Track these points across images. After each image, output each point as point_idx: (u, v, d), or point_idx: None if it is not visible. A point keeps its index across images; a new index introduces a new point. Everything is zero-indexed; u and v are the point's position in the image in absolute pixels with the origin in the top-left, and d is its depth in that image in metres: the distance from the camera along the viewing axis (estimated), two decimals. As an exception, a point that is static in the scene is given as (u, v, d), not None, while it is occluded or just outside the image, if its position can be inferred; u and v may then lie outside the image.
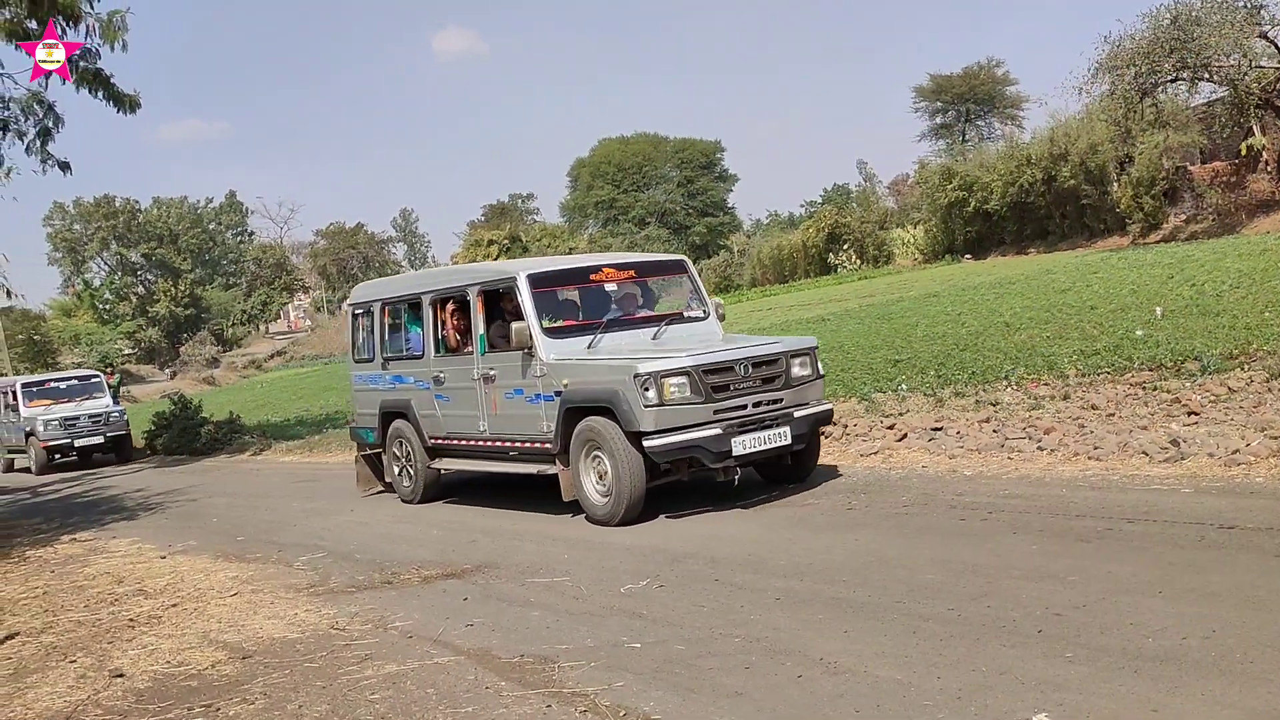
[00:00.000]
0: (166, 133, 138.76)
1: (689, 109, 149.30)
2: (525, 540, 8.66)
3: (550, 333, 9.02)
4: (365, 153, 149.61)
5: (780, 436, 8.44)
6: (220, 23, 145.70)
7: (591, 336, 9.16)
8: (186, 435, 22.93)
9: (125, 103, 16.23)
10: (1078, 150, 36.28)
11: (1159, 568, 5.58)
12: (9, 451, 24.70)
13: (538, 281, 9.31)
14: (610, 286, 9.67)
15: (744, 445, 8.22)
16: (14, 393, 23.90)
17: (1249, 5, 28.01)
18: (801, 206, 76.72)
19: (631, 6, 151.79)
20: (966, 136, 65.50)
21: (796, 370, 8.70)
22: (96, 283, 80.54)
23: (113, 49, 14.92)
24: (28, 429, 22.87)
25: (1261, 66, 28.99)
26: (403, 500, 11.24)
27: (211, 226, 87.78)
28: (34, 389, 24.18)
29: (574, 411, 8.61)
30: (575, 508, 8.98)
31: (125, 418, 23.85)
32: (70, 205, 78.57)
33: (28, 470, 23.23)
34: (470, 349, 9.90)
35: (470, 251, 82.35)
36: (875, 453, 9.84)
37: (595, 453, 8.48)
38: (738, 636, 5.39)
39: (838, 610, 5.63)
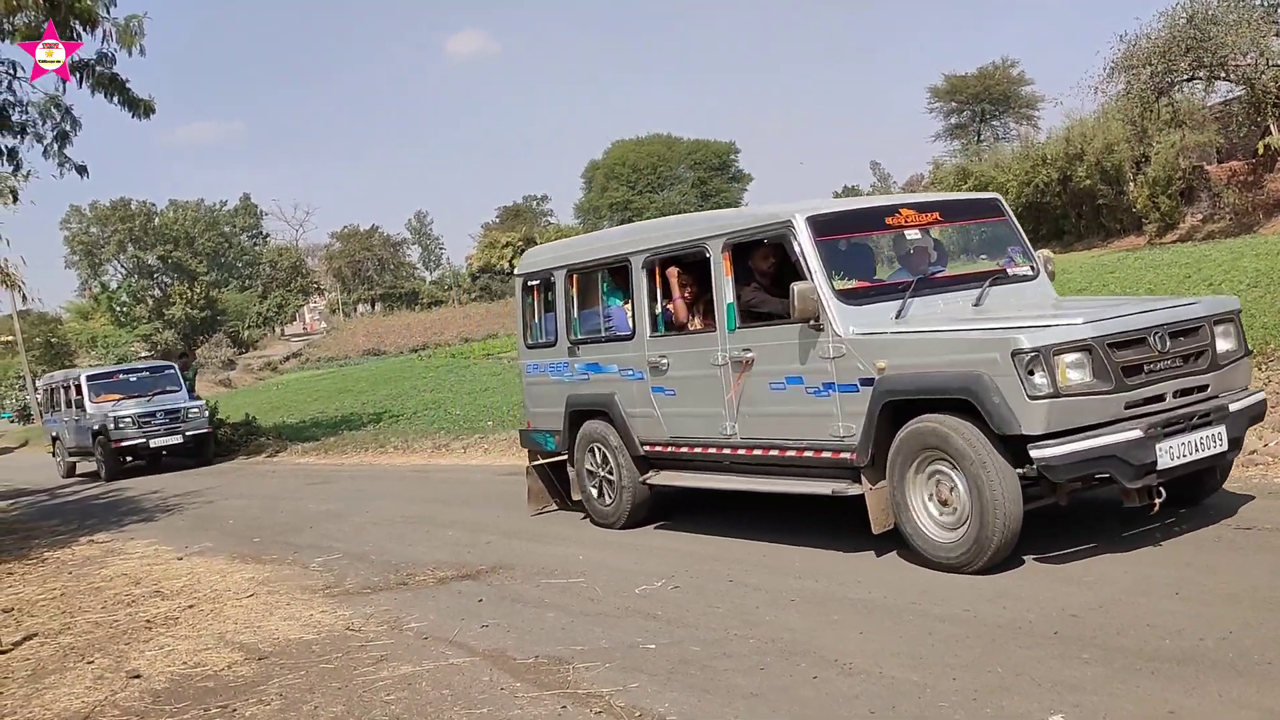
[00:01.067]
0: (182, 135, 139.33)
1: (703, 110, 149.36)
2: (540, 541, 8.67)
3: (845, 296, 6.62)
4: (380, 155, 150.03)
5: (1214, 441, 5.96)
6: (236, 26, 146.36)
7: (897, 302, 6.67)
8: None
9: (140, 107, 16.34)
10: (1093, 150, 36.10)
11: (1176, 568, 5.55)
12: (71, 454, 22.34)
13: (823, 226, 6.81)
14: (912, 234, 7.20)
15: (1171, 454, 5.79)
16: (78, 387, 21.43)
17: (1266, 4, 27.88)
18: (816, 207, 76.33)
19: (645, 7, 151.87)
20: (981, 137, 65.30)
21: (1222, 344, 6.27)
22: (113, 285, 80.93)
23: (130, 54, 15.03)
24: (96, 428, 20.27)
25: (1278, 65, 28.82)
26: (599, 523, 8.74)
27: (227, 229, 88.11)
28: (101, 382, 21.56)
29: (897, 407, 6.21)
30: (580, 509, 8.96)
31: (206, 413, 21.38)
32: (87, 209, 78.97)
33: (93, 475, 21.16)
34: (710, 324, 7.58)
35: (485, 253, 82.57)
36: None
37: (934, 466, 6.08)
38: (753, 637, 5.39)
39: (853, 611, 5.63)
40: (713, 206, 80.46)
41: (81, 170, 17.06)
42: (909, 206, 7.24)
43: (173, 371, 22.39)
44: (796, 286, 6.43)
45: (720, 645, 5.34)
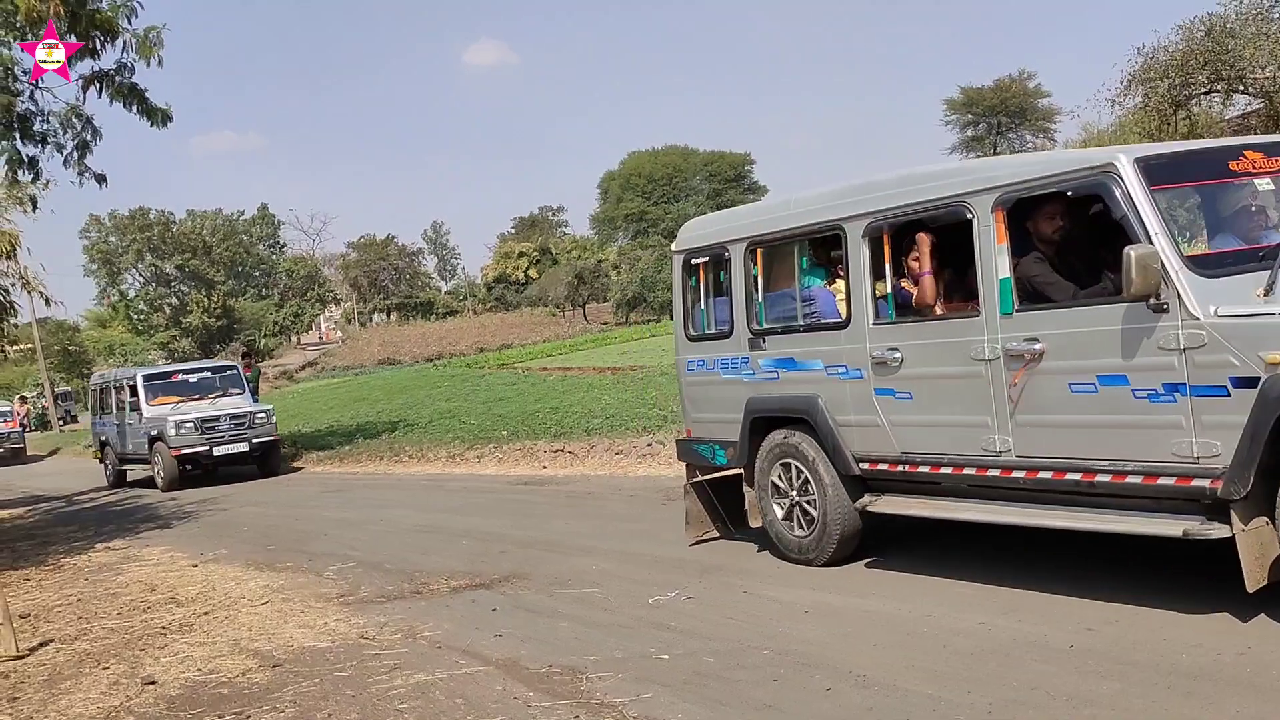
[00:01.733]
0: (200, 145, 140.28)
1: (719, 121, 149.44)
2: (554, 551, 8.67)
3: (1197, 265, 5.00)
4: (397, 165, 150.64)
5: None
6: (253, 36, 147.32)
7: (1262, 273, 4.99)
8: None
9: (158, 116, 16.45)
10: (1110, 163, 36.03)
11: (1190, 585, 5.52)
12: (122, 460, 20.25)
13: (1158, 172, 5.25)
14: (1264, 184, 5.53)
15: None
16: (133, 387, 19.37)
17: (1285, 16, 27.76)
18: (831, 219, 76.36)
19: (662, 19, 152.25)
20: (998, 149, 65.18)
21: None
22: (131, 294, 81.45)
23: (149, 64, 15.13)
24: (153, 433, 18.35)
25: (1298, 78, 28.70)
26: (789, 558, 7.06)
27: (245, 238, 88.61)
28: (159, 383, 19.53)
29: None
30: (606, 516, 8.96)
31: (274, 419, 19.26)
32: (106, 218, 79.52)
33: (146, 484, 19.40)
34: (965, 307, 6.02)
35: (500, 264, 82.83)
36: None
37: None
38: (767, 649, 5.38)
39: (867, 623, 5.61)
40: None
41: (101, 179, 17.18)
42: (1256, 149, 5.56)
43: (235, 373, 20.14)
44: (1134, 252, 4.78)
45: (735, 656, 5.33)
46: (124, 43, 15.06)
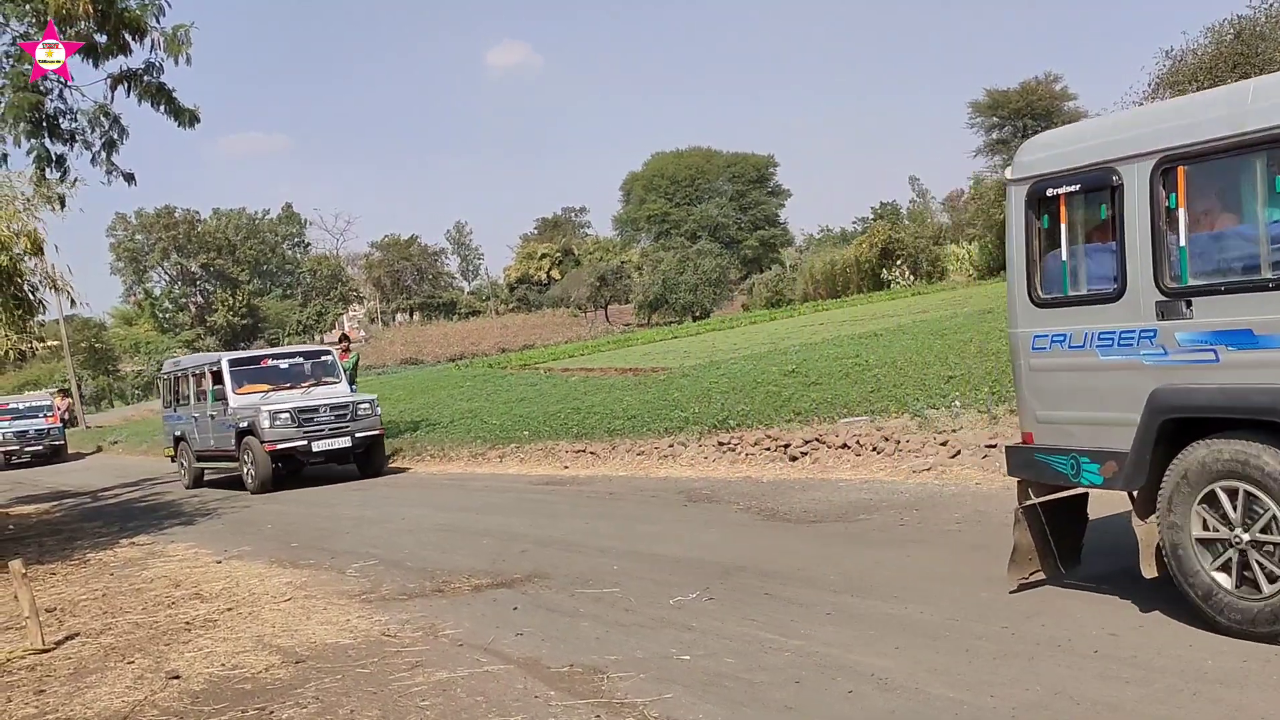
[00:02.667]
0: (227, 145, 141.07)
1: (742, 123, 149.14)
2: (575, 551, 8.68)
3: None
4: (420, 165, 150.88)
5: None
6: (278, 37, 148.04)
7: None
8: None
9: (185, 116, 16.55)
10: (1137, 166, 35.78)
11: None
12: (200, 458, 18.13)
13: None
14: None
15: None
16: (217, 373, 17.18)
17: (1315, 19, 27.53)
18: (854, 222, 76.46)
19: (685, 21, 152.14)
20: (1022, 153, 64.77)
21: None
22: (157, 292, 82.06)
23: (177, 63, 15.23)
24: (243, 425, 16.16)
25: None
26: (1234, 629, 4.82)
27: (270, 238, 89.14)
28: (247, 369, 17.20)
29: None
30: (627, 517, 8.96)
31: (378, 410, 16.97)
32: (132, 216, 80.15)
33: (231, 485, 17.29)
34: None
35: (523, 264, 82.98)
36: (928, 469, 9.77)
37: None
38: (788, 651, 5.37)
39: (889, 626, 5.59)
40: (751, 220, 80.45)
41: (129, 178, 17.29)
42: None
43: (330, 359, 17.89)
44: None
45: (755, 658, 5.33)
46: (152, 41, 15.17)
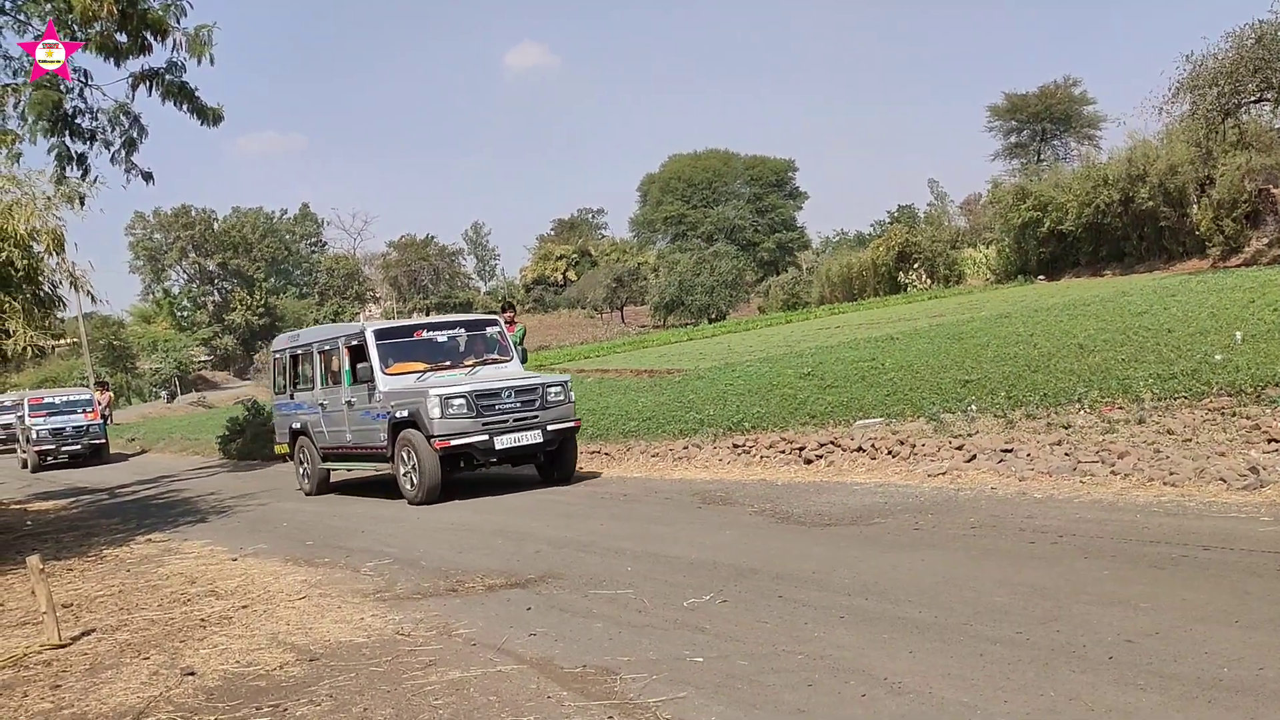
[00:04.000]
0: (244, 145, 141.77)
1: (760, 126, 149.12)
2: (589, 552, 8.69)
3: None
4: (437, 166, 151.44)
5: None
6: (297, 37, 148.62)
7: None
8: (259, 441, 23.32)
9: (209, 115, 16.66)
10: (1156, 171, 35.61)
11: (1235, 596, 5.45)
12: (329, 456, 14.69)
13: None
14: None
15: None
16: (357, 347, 13.54)
17: (1337, 24, 27.35)
18: (870, 226, 76.30)
19: (703, 23, 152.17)
20: (1041, 156, 64.64)
21: None
22: (175, 290, 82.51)
23: (199, 63, 15.33)
24: (401, 414, 12.57)
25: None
26: None
27: (287, 237, 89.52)
28: (397, 343, 13.55)
29: None
30: (641, 518, 8.96)
31: (572, 397, 13.15)
32: (150, 215, 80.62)
33: (361, 490, 15.02)
34: None
35: (539, 265, 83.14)
36: (943, 473, 9.74)
37: None
38: (801, 653, 5.36)
39: (903, 630, 5.57)
40: (768, 223, 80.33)
41: (147, 177, 17.45)
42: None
43: (498, 330, 14.33)
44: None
45: (768, 660, 5.32)
46: (174, 41, 15.27)
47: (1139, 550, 6.51)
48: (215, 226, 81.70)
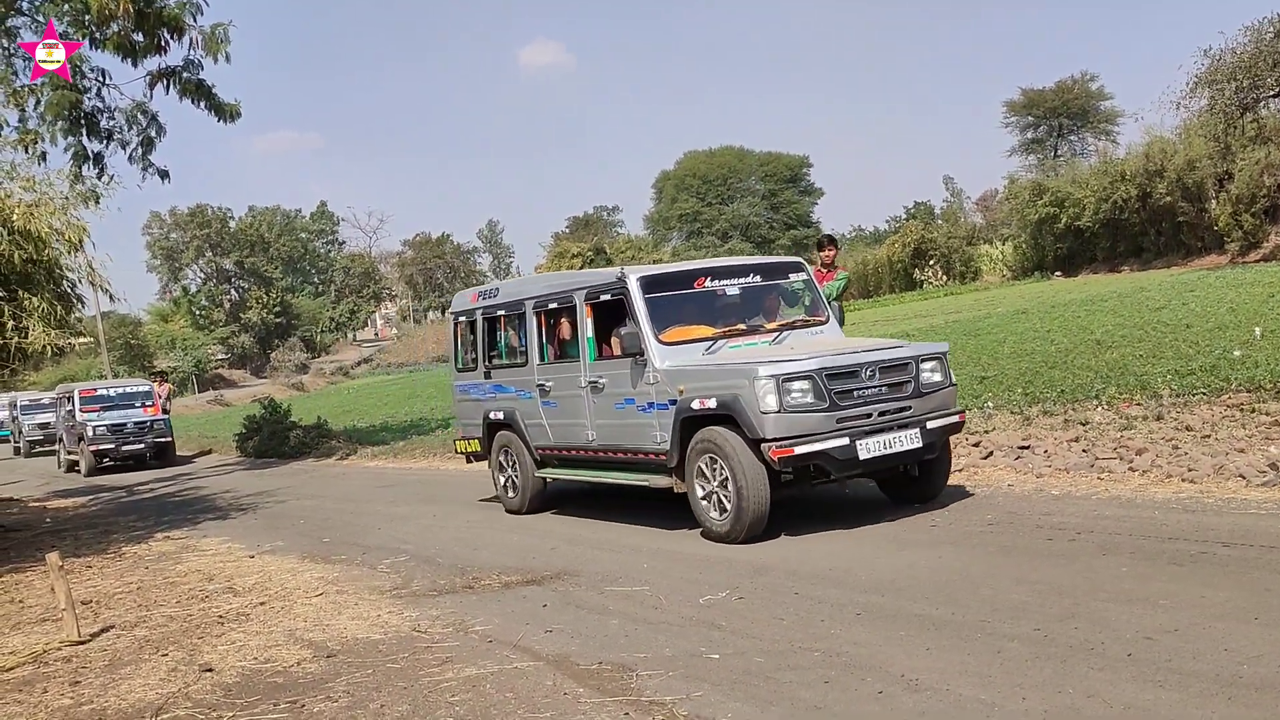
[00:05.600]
0: (261, 144, 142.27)
1: (775, 123, 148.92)
2: (605, 549, 8.69)
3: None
4: (452, 164, 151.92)
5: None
6: (312, 36, 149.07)
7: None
8: (276, 439, 23.41)
9: (226, 112, 16.73)
10: (1174, 166, 35.44)
11: (1255, 593, 5.41)
12: (549, 460, 10.56)
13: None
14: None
15: None
16: (613, 304, 9.32)
17: (1357, 17, 27.14)
18: (886, 222, 76.09)
19: (718, 20, 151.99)
20: (1058, 152, 64.37)
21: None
22: (193, 289, 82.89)
23: (215, 60, 15.39)
24: (699, 403, 8.29)
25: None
26: None
27: (303, 235, 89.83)
28: (669, 297, 9.18)
29: None
30: (656, 514, 8.96)
31: (947, 371, 8.81)
32: (167, 215, 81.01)
33: (576, 504, 10.86)
34: None
35: (554, 263, 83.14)
36: (959, 470, 9.69)
37: None
38: (817, 650, 5.35)
39: (920, 627, 5.56)
40: (783, 220, 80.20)
41: (164, 175, 17.52)
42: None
43: (806, 278, 10.02)
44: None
45: (784, 657, 5.31)
46: (191, 40, 15.34)
47: (1158, 547, 6.47)
48: (231, 225, 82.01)
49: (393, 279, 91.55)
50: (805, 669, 5.10)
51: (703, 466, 8.29)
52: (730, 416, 8.02)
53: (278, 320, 78.84)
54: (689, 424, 8.44)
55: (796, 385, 7.91)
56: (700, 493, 8.39)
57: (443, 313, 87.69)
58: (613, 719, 4.70)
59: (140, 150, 17.22)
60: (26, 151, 14.68)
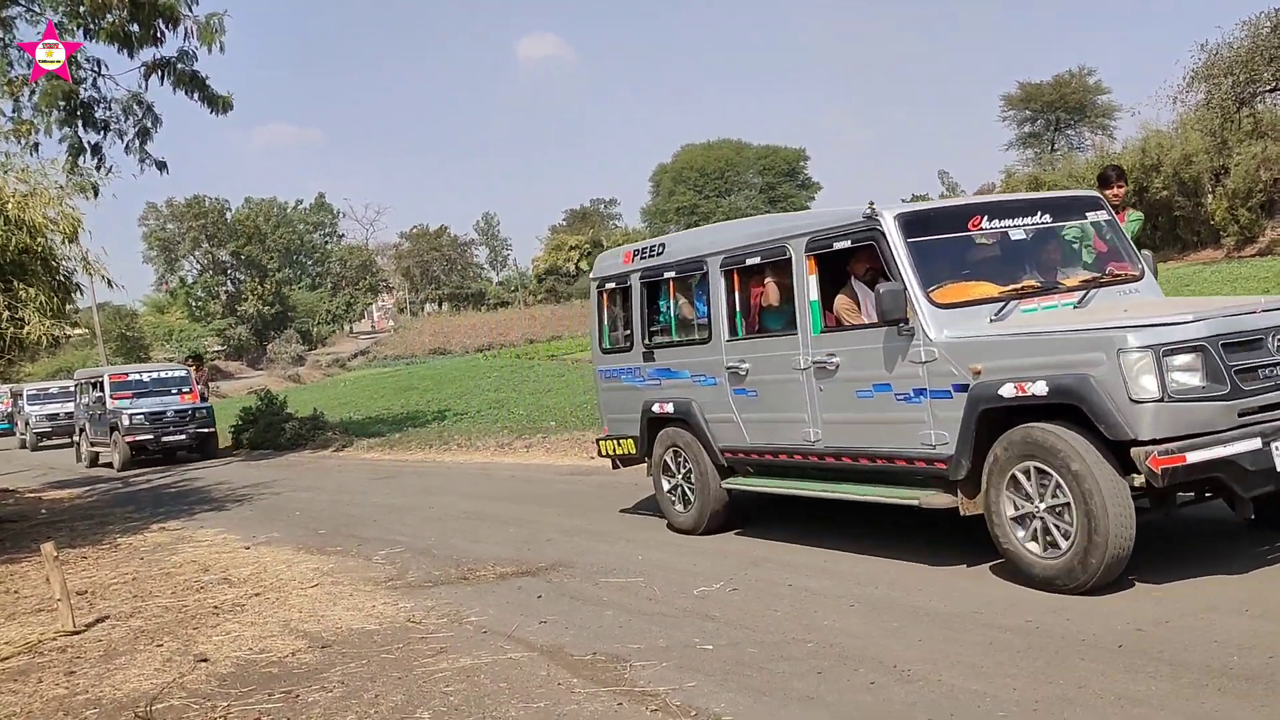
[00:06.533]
0: (258, 136, 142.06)
1: (772, 116, 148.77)
2: (600, 540, 8.71)
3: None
4: (450, 156, 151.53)
5: None
6: (308, 29, 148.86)
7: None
8: (271, 430, 23.38)
9: (219, 103, 16.70)
10: (1171, 161, 35.41)
11: (1245, 585, 5.44)
12: (739, 464, 8.16)
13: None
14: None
15: None
16: (852, 251, 7.08)
17: (1354, 12, 27.15)
18: (884, 215, 75.86)
19: (715, 13, 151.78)
20: (1055, 146, 64.34)
21: None
22: (189, 280, 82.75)
23: (210, 51, 15.37)
24: (1045, 386, 5.70)
25: (1367, 75, 28.04)
26: None
27: (300, 227, 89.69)
28: (933, 243, 6.76)
29: None
30: (653, 507, 8.97)
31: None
32: (163, 206, 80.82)
33: (801, 525, 8.27)
34: None
35: (551, 255, 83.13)
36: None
37: None
38: (810, 641, 5.37)
39: (913, 618, 5.58)
40: (780, 212, 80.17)
41: (161, 166, 17.51)
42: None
43: (1104, 219, 7.51)
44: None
45: (778, 648, 5.33)
46: (185, 30, 15.32)
47: (1147, 540, 6.48)
48: (228, 217, 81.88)
49: (389, 271, 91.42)
50: (798, 660, 5.12)
51: (1020, 480, 5.91)
52: (1071, 408, 5.67)
53: (274, 312, 78.72)
54: (992, 418, 6.07)
55: (1181, 360, 5.55)
56: (1010, 513, 5.96)
57: (440, 305, 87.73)
58: (606, 709, 4.72)
59: (137, 141, 17.20)
60: (20, 142, 14.67)
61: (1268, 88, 29.10)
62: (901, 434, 6.62)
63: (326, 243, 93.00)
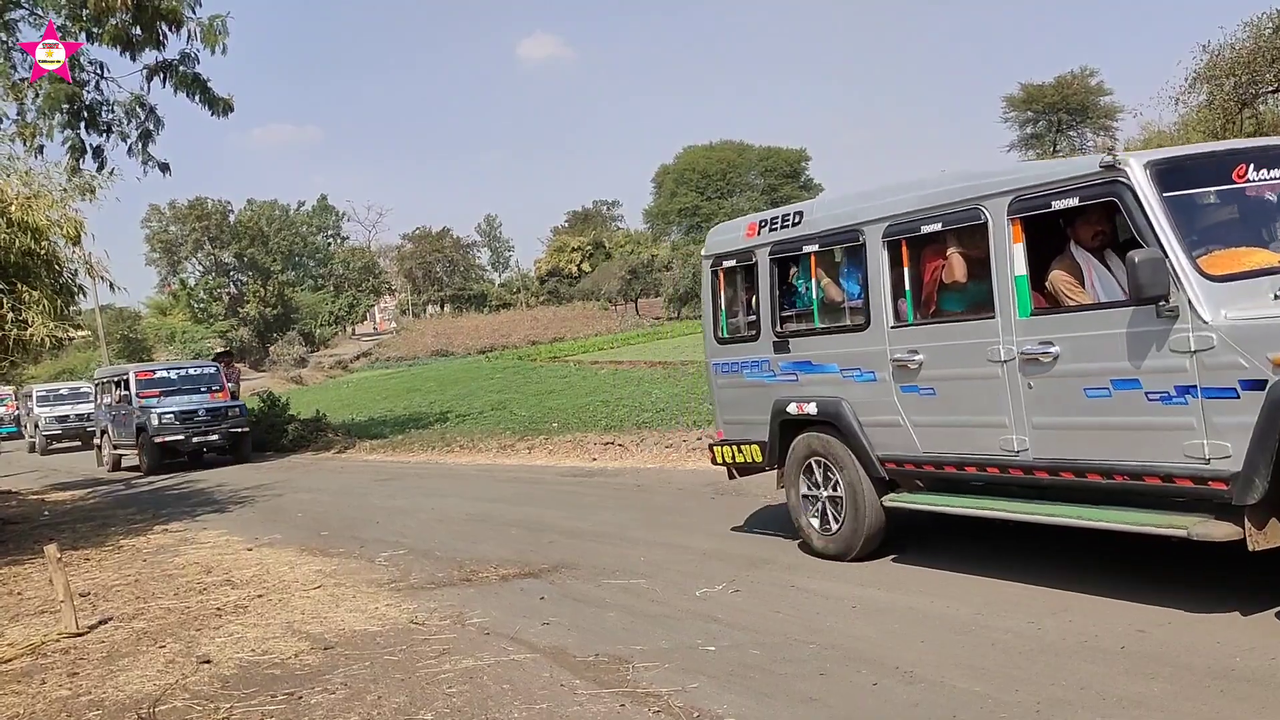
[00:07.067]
0: (260, 137, 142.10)
1: (774, 117, 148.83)
2: (602, 542, 8.71)
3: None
4: (452, 158, 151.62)
5: None
6: (311, 30, 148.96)
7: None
8: (274, 432, 23.38)
9: (219, 105, 16.72)
10: (1173, 162, 35.43)
11: (1248, 588, 5.43)
12: (963, 486, 6.54)
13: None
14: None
15: None
16: (1123, 205, 5.23)
17: (1357, 13, 27.11)
18: (885, 216, 75.86)
19: (717, 14, 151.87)
20: (1057, 147, 64.30)
21: None
22: (192, 282, 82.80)
23: (213, 52, 15.39)
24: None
25: (1370, 76, 28.01)
26: None
27: (303, 229, 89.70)
28: (1186, 190, 5.40)
29: None
30: (654, 508, 8.98)
31: None
32: (165, 208, 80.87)
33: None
34: None
35: (553, 257, 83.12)
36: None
37: None
38: (813, 643, 5.37)
39: (915, 620, 5.58)
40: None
41: (164, 168, 17.52)
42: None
43: None
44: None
45: (780, 650, 5.33)
46: (188, 32, 15.34)
47: (1150, 543, 6.48)
48: (231, 218, 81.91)
49: (392, 273, 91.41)
50: (801, 661, 5.12)
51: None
52: None
53: (276, 314, 78.73)
54: None
55: None
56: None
57: (442, 307, 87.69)
58: (608, 711, 4.72)
59: (140, 143, 17.22)
60: (25, 144, 14.68)
61: (1270, 89, 29.04)
62: (1156, 443, 5.20)
63: (329, 244, 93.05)
